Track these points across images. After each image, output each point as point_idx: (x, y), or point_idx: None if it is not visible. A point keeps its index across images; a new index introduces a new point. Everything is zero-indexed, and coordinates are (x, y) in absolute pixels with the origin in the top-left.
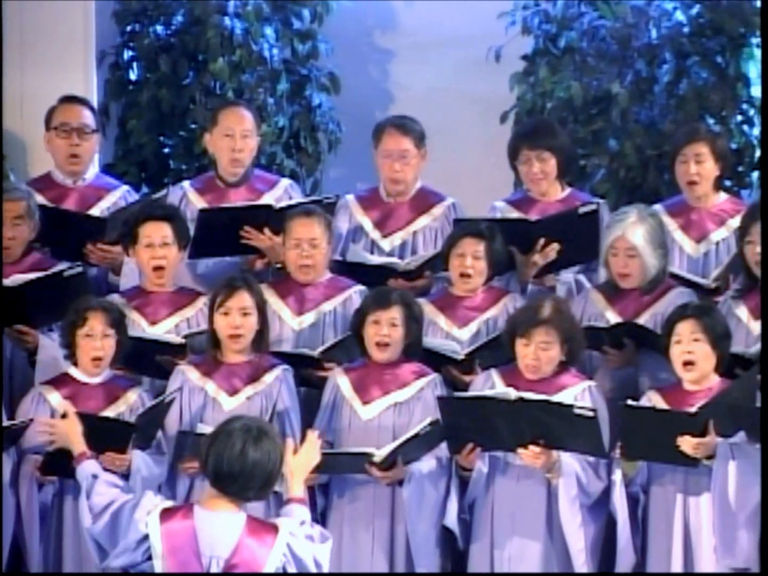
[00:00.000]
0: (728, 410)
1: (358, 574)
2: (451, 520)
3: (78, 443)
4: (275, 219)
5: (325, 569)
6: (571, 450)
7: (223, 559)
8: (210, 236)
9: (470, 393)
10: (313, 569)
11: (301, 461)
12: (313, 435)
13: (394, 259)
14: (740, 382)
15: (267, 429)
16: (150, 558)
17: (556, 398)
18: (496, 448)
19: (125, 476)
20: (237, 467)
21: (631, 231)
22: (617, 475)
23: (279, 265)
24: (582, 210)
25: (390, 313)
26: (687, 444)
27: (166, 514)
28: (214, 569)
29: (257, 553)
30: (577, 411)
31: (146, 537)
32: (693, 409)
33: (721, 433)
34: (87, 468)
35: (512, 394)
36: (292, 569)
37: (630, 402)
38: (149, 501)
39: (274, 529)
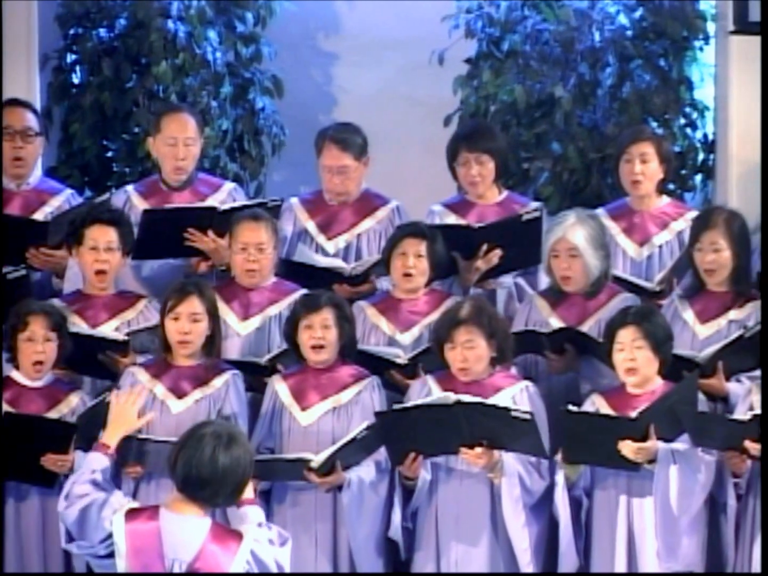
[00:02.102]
0: (670, 413)
1: (325, 574)
2: (395, 531)
3: (113, 433)
4: (219, 221)
5: (287, 569)
6: (512, 450)
7: (186, 563)
8: (154, 237)
9: (408, 403)
10: (276, 572)
11: None
12: None
13: (341, 263)
14: (681, 385)
15: (237, 434)
16: (111, 555)
17: (493, 400)
18: (438, 453)
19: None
20: (207, 473)
21: (571, 232)
22: (560, 478)
23: (223, 268)
24: (526, 216)
25: (321, 315)
26: (628, 449)
27: (131, 515)
28: (176, 571)
29: (220, 559)
30: (514, 414)
31: (110, 535)
32: (634, 414)
33: (663, 437)
34: (94, 460)
35: (451, 398)
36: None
37: (570, 407)
38: (117, 500)
39: (239, 536)
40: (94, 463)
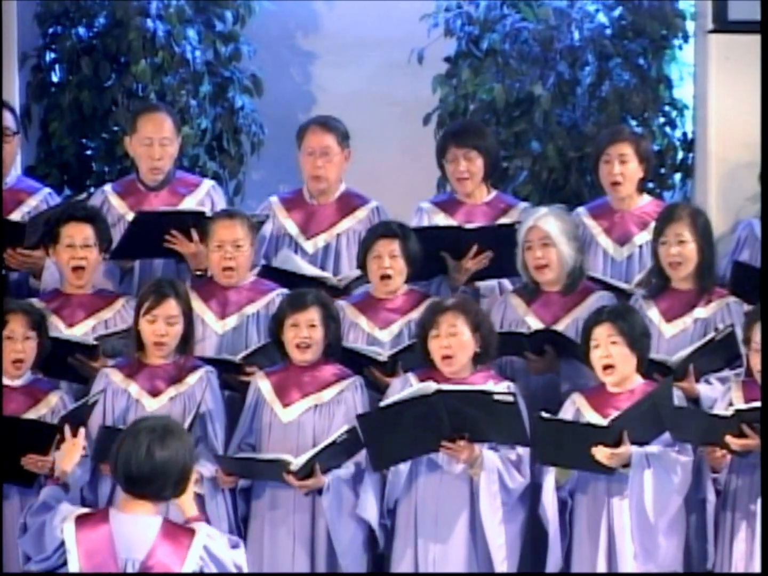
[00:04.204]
0: (644, 418)
1: (304, 574)
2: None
3: (65, 466)
4: (205, 225)
5: (245, 571)
6: (494, 440)
7: (139, 561)
8: (138, 240)
9: (389, 400)
10: (234, 572)
11: None
12: None
13: (327, 274)
14: (655, 393)
15: (173, 427)
16: (66, 563)
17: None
18: (420, 454)
19: (47, 477)
20: (146, 469)
21: (542, 220)
22: (549, 481)
23: (199, 273)
24: (518, 227)
25: (307, 314)
26: (601, 454)
27: (81, 519)
28: (129, 571)
29: (173, 555)
30: (497, 397)
31: (63, 543)
32: (606, 422)
33: (637, 441)
34: (48, 492)
35: (431, 387)
36: (210, 572)
37: (543, 414)
38: (66, 508)
39: (191, 532)
40: (45, 495)
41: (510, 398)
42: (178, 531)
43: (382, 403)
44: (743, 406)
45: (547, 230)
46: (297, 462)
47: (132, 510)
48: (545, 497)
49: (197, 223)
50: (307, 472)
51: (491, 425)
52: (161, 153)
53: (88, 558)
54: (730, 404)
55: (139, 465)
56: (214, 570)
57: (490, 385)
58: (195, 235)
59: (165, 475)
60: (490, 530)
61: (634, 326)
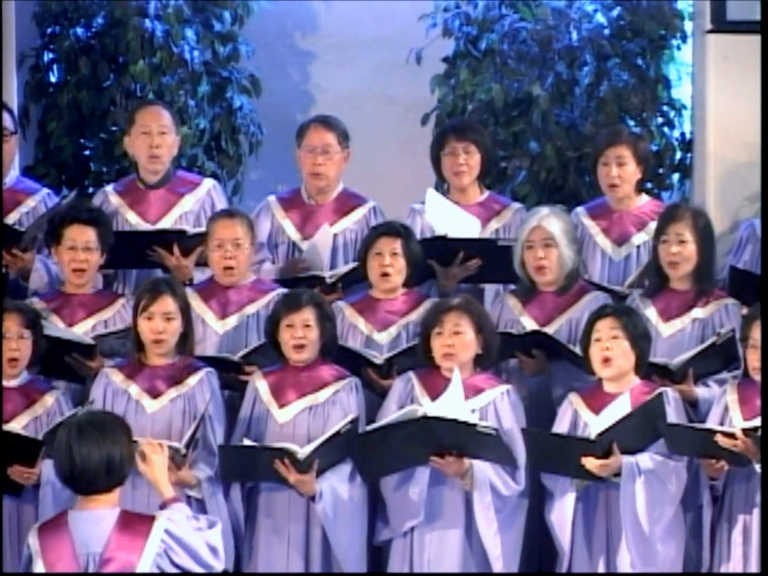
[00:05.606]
0: (640, 425)
1: (303, 574)
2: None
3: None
4: (186, 241)
5: (221, 552)
6: (482, 459)
7: (98, 554)
8: (122, 255)
9: (377, 424)
10: (208, 554)
11: (155, 467)
12: (148, 443)
13: (324, 273)
14: (646, 407)
15: (89, 424)
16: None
17: (472, 402)
18: (409, 466)
19: (35, 487)
20: (70, 467)
21: (546, 221)
22: (568, 498)
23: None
24: (501, 243)
25: (302, 315)
26: (591, 465)
27: (43, 528)
28: (91, 566)
29: (132, 544)
30: (479, 429)
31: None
32: (593, 436)
33: (629, 450)
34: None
35: (418, 411)
36: (178, 556)
37: (529, 428)
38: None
39: (150, 518)
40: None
41: (492, 431)
42: (136, 520)
43: (369, 428)
44: (746, 425)
45: (551, 231)
46: (303, 451)
47: (87, 507)
48: (560, 512)
49: (179, 240)
50: (309, 464)
51: (478, 449)
52: (159, 141)
53: (53, 565)
54: (726, 407)
55: (62, 464)
56: (180, 551)
57: (488, 395)
58: (176, 251)
59: (89, 469)
60: (487, 541)
61: (637, 325)
